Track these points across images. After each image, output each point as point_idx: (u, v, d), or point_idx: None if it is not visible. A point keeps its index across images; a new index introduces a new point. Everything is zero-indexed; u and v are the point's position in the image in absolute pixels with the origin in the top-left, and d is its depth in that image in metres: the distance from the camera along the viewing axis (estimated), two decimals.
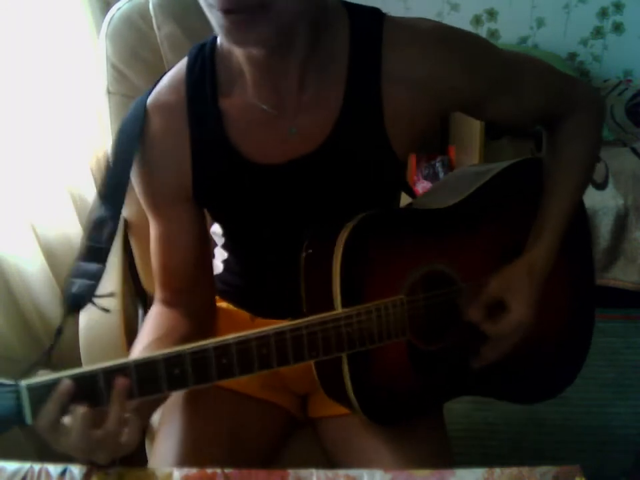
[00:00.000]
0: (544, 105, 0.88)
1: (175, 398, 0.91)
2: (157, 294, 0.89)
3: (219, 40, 0.80)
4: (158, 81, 0.83)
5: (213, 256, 1.03)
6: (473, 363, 0.84)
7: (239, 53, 0.75)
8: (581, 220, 0.95)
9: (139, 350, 0.77)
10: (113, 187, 0.80)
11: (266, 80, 0.76)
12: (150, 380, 0.64)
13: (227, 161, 0.80)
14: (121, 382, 0.62)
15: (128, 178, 0.80)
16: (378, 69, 0.78)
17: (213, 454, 0.84)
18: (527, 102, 0.87)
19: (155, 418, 1.00)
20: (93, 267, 0.77)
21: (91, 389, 0.62)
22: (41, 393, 0.60)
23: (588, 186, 0.92)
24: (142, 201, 0.85)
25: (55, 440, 0.62)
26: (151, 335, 0.80)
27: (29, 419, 0.60)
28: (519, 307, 0.81)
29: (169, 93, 0.81)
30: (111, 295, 0.79)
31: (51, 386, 0.60)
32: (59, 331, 0.74)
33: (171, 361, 0.64)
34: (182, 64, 0.82)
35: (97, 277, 0.76)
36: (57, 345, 0.72)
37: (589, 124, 0.90)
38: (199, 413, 0.88)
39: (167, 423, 0.89)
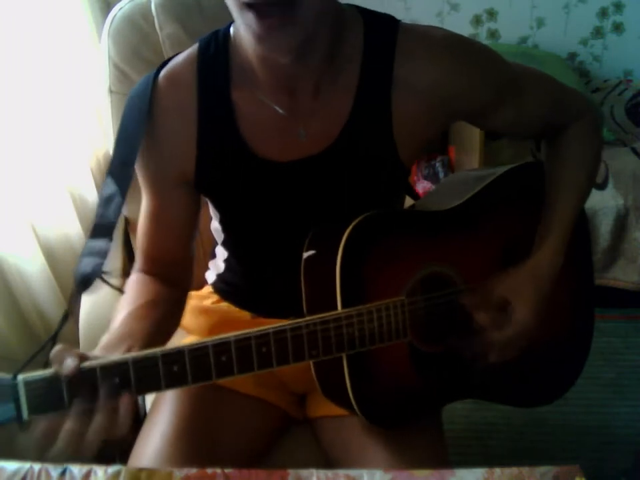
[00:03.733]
0: (545, 116, 0.89)
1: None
2: (137, 263, 0.88)
3: (232, 30, 0.80)
4: (168, 60, 0.82)
5: (213, 256, 1.03)
6: (475, 365, 0.84)
7: (254, 54, 0.75)
8: (580, 222, 0.95)
9: (123, 316, 0.75)
10: (120, 161, 0.80)
11: (282, 84, 0.77)
12: (148, 377, 0.63)
13: (233, 151, 0.80)
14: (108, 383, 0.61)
15: (136, 152, 0.79)
16: (389, 76, 0.78)
17: (193, 449, 0.83)
18: (530, 113, 0.87)
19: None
20: (100, 243, 0.77)
21: (87, 384, 0.61)
22: (37, 387, 0.59)
23: (591, 192, 0.92)
24: (140, 175, 0.84)
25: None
26: (133, 303, 0.79)
27: (25, 413, 0.59)
28: (523, 310, 0.81)
29: (181, 69, 0.80)
30: (118, 281, 0.78)
31: (47, 380, 0.60)
32: (67, 315, 0.73)
33: (170, 357, 0.63)
34: (194, 48, 0.82)
35: (104, 254, 0.76)
36: (60, 332, 0.71)
37: (588, 132, 0.91)
38: (185, 408, 0.88)
39: (154, 416, 0.89)
